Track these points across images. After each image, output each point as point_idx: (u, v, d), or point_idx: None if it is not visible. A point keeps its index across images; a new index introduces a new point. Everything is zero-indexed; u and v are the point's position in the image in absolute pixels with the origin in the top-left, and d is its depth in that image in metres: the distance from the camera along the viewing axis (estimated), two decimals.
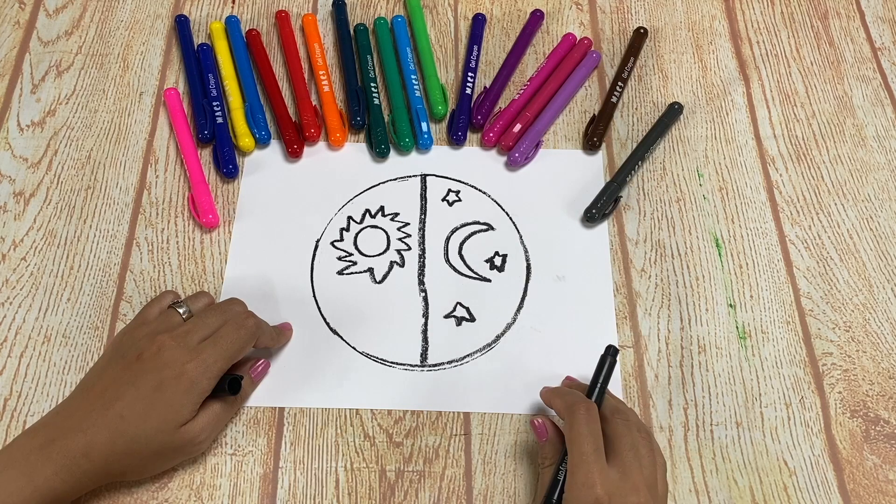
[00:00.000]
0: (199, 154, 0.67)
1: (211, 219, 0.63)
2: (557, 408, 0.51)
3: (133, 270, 0.62)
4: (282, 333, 0.58)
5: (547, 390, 0.54)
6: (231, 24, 0.73)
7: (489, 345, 0.60)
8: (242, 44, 0.72)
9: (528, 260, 0.63)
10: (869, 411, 0.57)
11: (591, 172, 0.68)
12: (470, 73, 0.71)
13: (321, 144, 0.69)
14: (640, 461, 0.47)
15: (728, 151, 0.69)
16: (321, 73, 0.71)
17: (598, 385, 0.52)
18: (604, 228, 0.65)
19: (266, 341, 0.56)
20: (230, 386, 0.51)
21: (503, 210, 0.66)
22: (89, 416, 0.49)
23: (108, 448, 0.49)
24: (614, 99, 0.70)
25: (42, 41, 0.74)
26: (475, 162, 0.68)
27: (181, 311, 0.54)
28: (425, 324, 0.60)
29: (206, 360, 0.50)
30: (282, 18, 0.74)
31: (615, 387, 0.57)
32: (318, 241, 0.64)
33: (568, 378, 0.57)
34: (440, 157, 0.68)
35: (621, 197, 0.66)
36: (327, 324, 0.60)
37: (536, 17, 0.75)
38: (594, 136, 0.68)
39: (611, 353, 0.53)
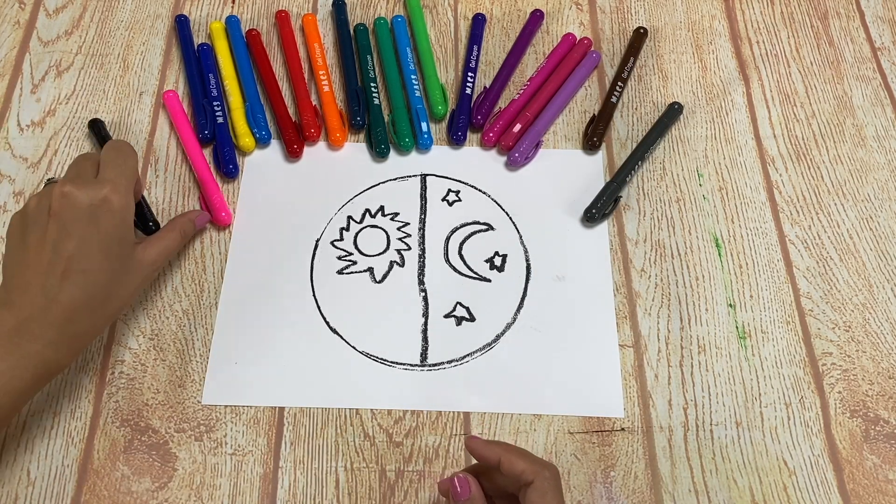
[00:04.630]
0: (205, 155, 0.67)
1: (224, 217, 0.63)
2: (520, 469, 0.44)
3: None
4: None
5: (497, 448, 0.45)
6: (231, 24, 0.73)
7: (489, 345, 0.60)
8: (242, 44, 0.72)
9: (527, 260, 0.63)
10: (869, 411, 0.57)
11: (590, 172, 0.68)
12: (470, 73, 0.71)
13: (321, 144, 0.69)
14: None
15: (728, 151, 0.69)
16: (321, 73, 0.71)
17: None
18: (604, 228, 0.65)
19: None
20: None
21: (503, 210, 0.66)
22: (48, 285, 0.48)
23: (85, 304, 0.49)
24: (614, 99, 0.70)
25: (42, 41, 0.74)
26: (475, 162, 0.68)
27: (54, 179, 0.54)
28: (425, 323, 0.60)
29: (112, 179, 0.51)
30: (282, 18, 0.74)
31: (614, 386, 0.58)
32: (317, 240, 0.64)
33: (473, 437, 0.48)
34: (440, 157, 0.68)
35: (621, 197, 0.66)
36: (327, 323, 0.60)
37: (536, 17, 0.75)
38: (594, 136, 0.68)
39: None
